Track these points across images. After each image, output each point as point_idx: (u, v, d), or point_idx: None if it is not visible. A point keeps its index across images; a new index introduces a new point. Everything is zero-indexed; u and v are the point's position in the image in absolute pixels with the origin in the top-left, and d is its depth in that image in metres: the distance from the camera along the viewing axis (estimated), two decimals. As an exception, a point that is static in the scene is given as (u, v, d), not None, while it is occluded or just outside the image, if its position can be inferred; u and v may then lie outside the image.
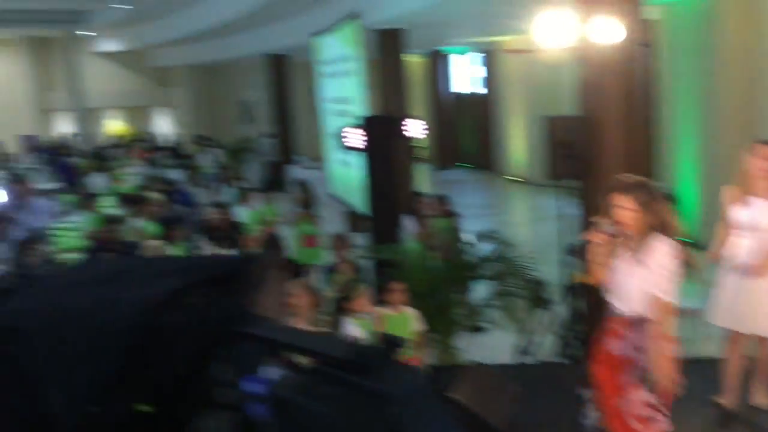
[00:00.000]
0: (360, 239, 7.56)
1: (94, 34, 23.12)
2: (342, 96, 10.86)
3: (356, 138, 6.41)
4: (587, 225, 6.49)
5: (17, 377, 1.46)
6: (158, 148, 18.79)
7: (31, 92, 25.21)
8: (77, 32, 22.11)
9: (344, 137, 6.53)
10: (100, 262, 3.61)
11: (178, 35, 18.42)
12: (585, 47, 5.66)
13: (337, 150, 10.74)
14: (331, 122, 12.33)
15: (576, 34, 5.68)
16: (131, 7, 15.97)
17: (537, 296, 5.59)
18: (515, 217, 14.29)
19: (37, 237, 6.49)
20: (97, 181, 13.56)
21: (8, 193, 8.09)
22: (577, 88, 5.99)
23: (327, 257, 8.18)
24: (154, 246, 5.89)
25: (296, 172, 17.11)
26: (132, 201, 9.11)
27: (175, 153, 18.66)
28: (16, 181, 8.10)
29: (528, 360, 5.76)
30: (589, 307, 5.81)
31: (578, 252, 6.38)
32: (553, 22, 5.66)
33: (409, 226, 7.25)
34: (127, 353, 1.41)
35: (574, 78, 6.02)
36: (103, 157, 16.92)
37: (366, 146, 6.44)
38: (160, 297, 1.47)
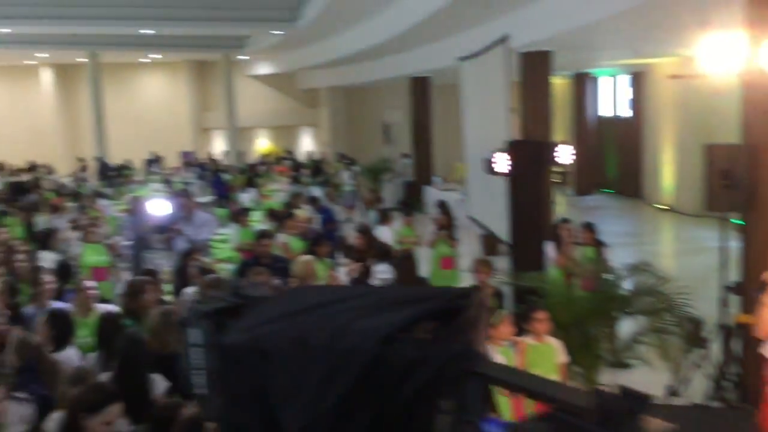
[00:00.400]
0: (497, 264, 7.47)
1: (248, 57, 24.68)
2: (486, 119, 10.82)
3: (501, 162, 6.36)
4: (749, 261, 6.08)
5: (258, 399, 1.54)
6: (301, 166, 19.66)
7: (191, 112, 27.30)
8: (235, 56, 23.68)
9: (488, 161, 6.49)
10: (323, 287, 3.77)
11: (327, 59, 19.23)
12: (752, 72, 5.31)
13: (479, 173, 10.70)
14: (473, 145, 12.31)
15: (743, 59, 5.35)
16: (283, 32, 16.90)
17: (693, 335, 5.25)
18: (664, 248, 13.54)
19: (198, 248, 6.97)
20: (245, 196, 14.40)
21: (173, 206, 8.75)
22: (741, 114, 5.62)
23: (463, 280, 8.15)
24: (306, 261, 6.13)
25: (432, 193, 17.25)
26: (279, 216, 9.55)
27: (317, 170, 19.44)
28: (182, 195, 8.73)
29: (678, 401, 5.44)
30: (746, 350, 5.40)
31: (739, 290, 5.96)
32: (719, 46, 5.35)
33: (551, 253, 7.08)
34: (360, 383, 1.45)
35: (733, 104, 5.65)
36: (252, 173, 17.95)
37: (510, 170, 6.37)
38: (394, 327, 1.49)
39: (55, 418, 3.52)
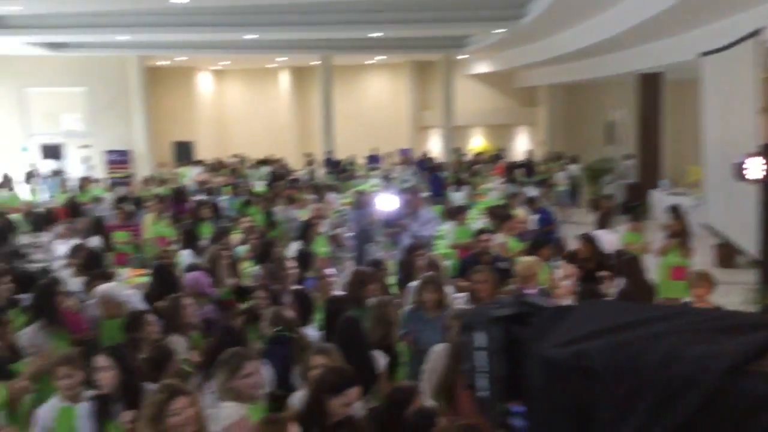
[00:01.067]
0: (735, 277, 6.73)
1: (467, 56, 24.90)
2: (731, 119, 9.84)
3: (754, 167, 5.72)
4: None
5: (578, 415, 1.53)
6: (516, 165, 19.40)
7: (410, 110, 28.22)
8: (456, 56, 24.03)
9: (738, 166, 5.87)
10: (621, 303, 3.67)
11: (548, 56, 18.78)
12: None
13: (720, 177, 9.78)
14: (715, 147, 11.27)
15: None
16: (506, 30, 16.76)
17: None
18: None
19: (422, 244, 7.16)
20: (458, 194, 14.53)
21: (400, 202, 9.09)
22: None
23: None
24: (530, 262, 6.02)
25: (659, 197, 16.10)
26: (498, 215, 9.49)
27: (532, 170, 19.07)
28: (409, 192, 9.02)
29: None
30: None
31: None
32: None
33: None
34: (697, 416, 1.36)
35: None
36: (467, 172, 18.10)
37: (766, 177, 5.71)
38: (738, 359, 1.38)
39: (299, 395, 3.81)
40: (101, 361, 3.82)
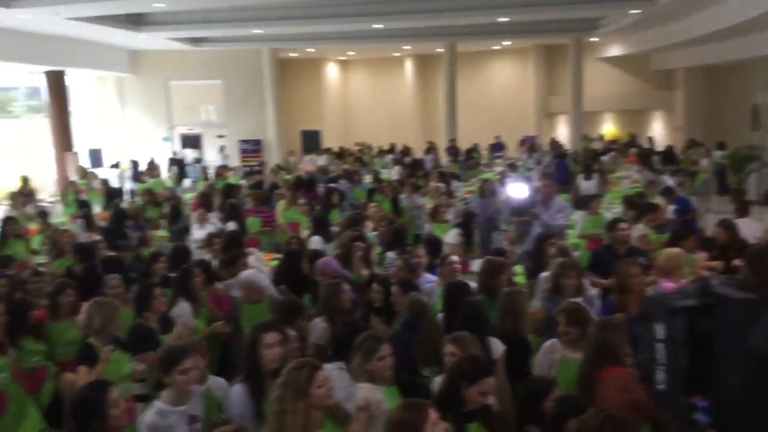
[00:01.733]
0: None
1: (598, 39, 23.86)
2: None
3: None
4: None
5: None
6: (652, 153, 18.42)
7: (536, 96, 27.50)
8: (586, 39, 23.12)
9: None
10: None
11: (686, 37, 17.64)
12: None
13: None
14: None
15: None
16: (641, 11, 15.90)
17: None
18: None
19: (554, 233, 6.96)
20: (588, 183, 13.99)
21: (530, 190, 8.89)
22: None
23: None
24: (676, 254, 5.68)
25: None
26: (636, 205, 9.04)
27: (669, 158, 18.03)
28: (543, 179, 8.77)
29: None
30: None
31: None
32: None
33: None
34: None
35: None
36: (596, 160, 17.38)
37: None
38: None
39: (437, 381, 3.83)
40: (270, 338, 3.91)
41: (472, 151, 21.05)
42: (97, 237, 8.79)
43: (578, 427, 2.96)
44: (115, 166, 20.57)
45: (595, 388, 3.68)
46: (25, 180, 16.25)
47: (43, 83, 19.87)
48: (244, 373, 3.95)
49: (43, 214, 10.95)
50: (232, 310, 5.96)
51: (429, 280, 6.00)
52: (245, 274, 5.90)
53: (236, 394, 3.84)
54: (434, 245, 6.89)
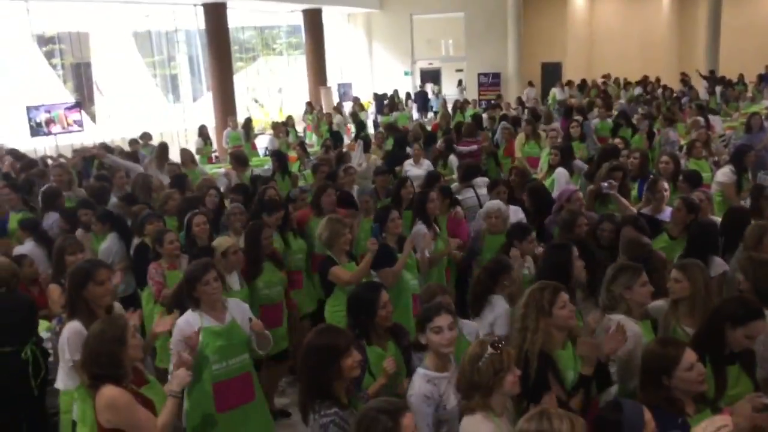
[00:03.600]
0: None
1: None
2: None
3: None
4: None
5: None
6: None
7: None
8: None
9: None
10: None
11: None
12: None
13: None
14: None
15: None
16: None
17: None
18: None
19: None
20: None
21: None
22: None
23: None
24: None
25: None
26: None
27: None
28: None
29: None
30: None
31: None
32: None
33: None
34: None
35: None
36: None
37: None
38: None
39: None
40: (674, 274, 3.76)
41: (736, 83, 18.81)
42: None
43: None
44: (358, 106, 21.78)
45: None
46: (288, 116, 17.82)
47: (301, 22, 21.46)
48: None
49: (301, 144, 12.01)
50: (468, 239, 6.06)
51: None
52: (490, 203, 5.92)
53: None
54: (693, 179, 6.34)
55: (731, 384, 3.17)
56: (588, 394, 3.17)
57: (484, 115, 14.46)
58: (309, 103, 18.18)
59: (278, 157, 9.35)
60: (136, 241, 5.87)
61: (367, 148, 11.23)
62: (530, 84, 22.20)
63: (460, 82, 24.02)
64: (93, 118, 17.93)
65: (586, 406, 3.10)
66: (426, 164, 9.16)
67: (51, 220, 6.78)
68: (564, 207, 5.90)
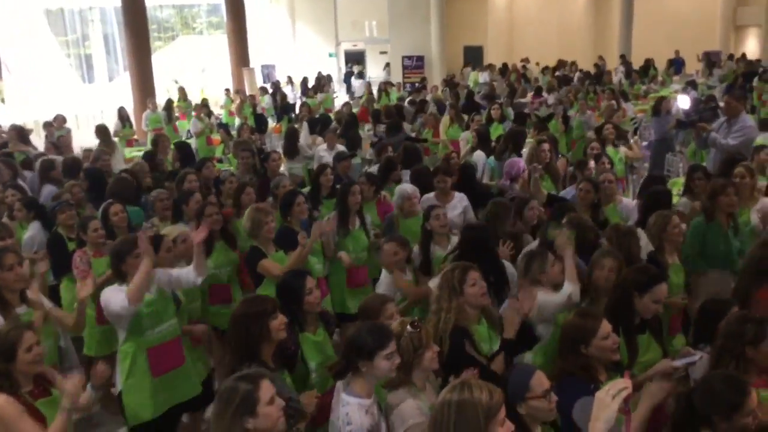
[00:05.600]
0: None
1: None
2: None
3: None
4: None
5: None
6: None
7: (723, 7, 24.83)
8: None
9: None
10: None
11: None
12: None
13: None
14: None
15: None
16: None
17: None
18: None
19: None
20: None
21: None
22: None
23: None
24: None
25: None
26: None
27: None
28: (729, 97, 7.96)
29: None
30: None
31: None
32: None
33: None
34: None
35: None
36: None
37: None
38: None
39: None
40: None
41: (647, 67, 19.69)
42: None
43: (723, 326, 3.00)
44: (289, 82, 21.55)
45: (749, 304, 3.62)
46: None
47: (222, 0, 20.94)
48: None
49: (225, 127, 11.79)
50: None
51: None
52: (403, 186, 5.92)
53: None
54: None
55: (642, 351, 3.42)
56: (511, 356, 3.36)
57: (406, 104, 14.56)
58: (227, 91, 17.64)
59: (180, 148, 8.66)
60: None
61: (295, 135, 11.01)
62: (468, 66, 22.46)
63: (387, 65, 24.11)
64: (2, 99, 17.05)
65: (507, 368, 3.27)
66: (340, 149, 9.07)
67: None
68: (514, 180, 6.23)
